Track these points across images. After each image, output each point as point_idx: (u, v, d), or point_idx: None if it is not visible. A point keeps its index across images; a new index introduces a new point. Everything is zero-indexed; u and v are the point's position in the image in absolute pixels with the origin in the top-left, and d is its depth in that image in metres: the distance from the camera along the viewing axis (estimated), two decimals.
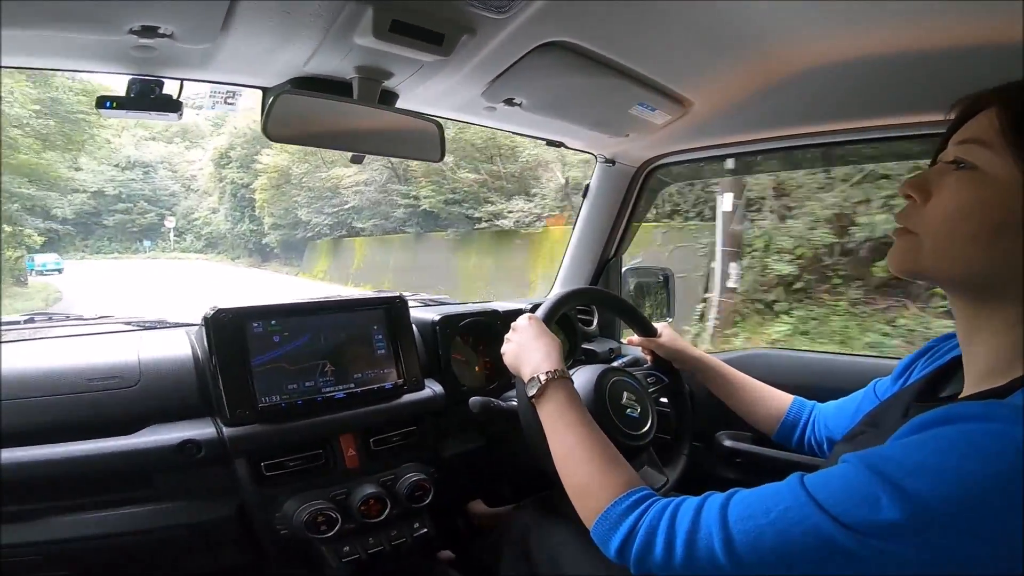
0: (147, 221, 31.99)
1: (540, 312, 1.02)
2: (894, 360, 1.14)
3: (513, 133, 1.48)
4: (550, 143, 1.52)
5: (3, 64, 0.88)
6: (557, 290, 1.09)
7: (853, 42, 0.93)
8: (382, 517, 1.10)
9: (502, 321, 1.45)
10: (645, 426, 1.07)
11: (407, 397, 1.20)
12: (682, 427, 1.17)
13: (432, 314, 1.35)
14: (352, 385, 1.14)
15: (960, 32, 0.85)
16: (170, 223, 32.10)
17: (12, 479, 0.88)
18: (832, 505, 0.49)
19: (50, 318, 1.25)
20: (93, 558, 0.98)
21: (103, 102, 0.94)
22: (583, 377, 1.07)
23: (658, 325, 1.21)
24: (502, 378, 1.40)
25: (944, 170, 0.58)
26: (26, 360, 1.00)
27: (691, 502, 0.61)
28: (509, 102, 1.13)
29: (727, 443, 1.41)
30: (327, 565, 1.11)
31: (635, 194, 1.61)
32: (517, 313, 1.48)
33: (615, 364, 1.15)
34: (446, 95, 1.12)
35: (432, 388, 1.25)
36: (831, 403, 1.00)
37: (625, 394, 1.07)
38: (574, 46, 0.94)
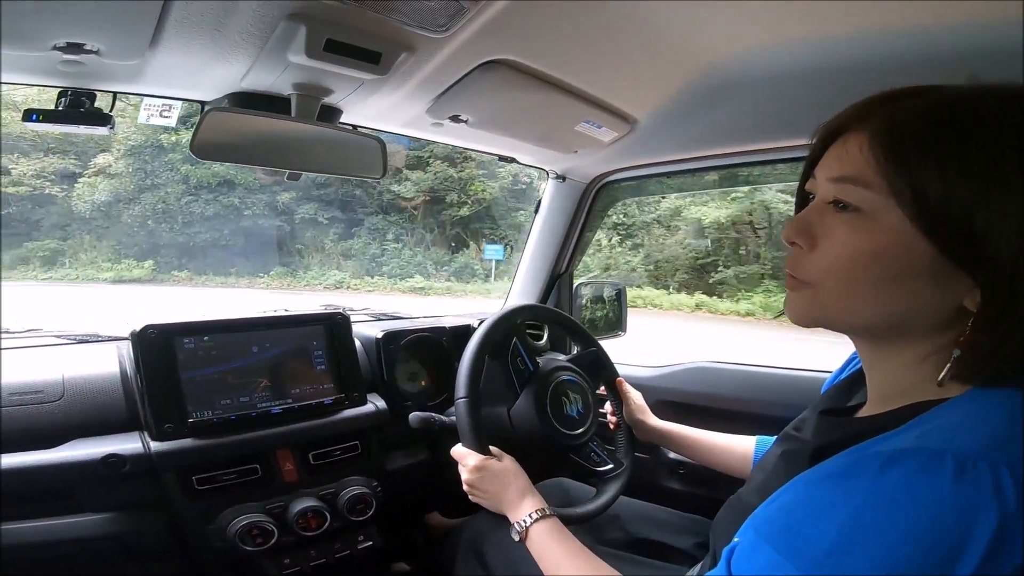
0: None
1: (468, 442, 0.96)
2: None
3: (464, 148, 1.48)
4: (502, 158, 1.53)
5: None
6: (480, 328, 1.07)
7: (790, 55, 0.95)
8: (321, 530, 1.11)
9: (448, 337, 1.46)
10: (584, 425, 1.10)
11: (347, 412, 1.21)
12: (627, 439, 1.18)
13: (376, 330, 1.36)
14: (289, 401, 1.15)
15: (909, 40, 0.85)
16: None
17: None
18: None
19: None
20: (10, 569, 0.96)
21: (30, 115, 0.91)
22: (525, 401, 1.08)
23: (631, 392, 1.21)
24: (446, 392, 1.40)
25: (824, 210, 0.54)
26: None
27: None
28: (455, 119, 1.13)
29: (671, 455, 1.44)
30: None
31: (586, 210, 1.63)
32: (464, 329, 1.49)
33: (564, 363, 1.16)
34: (391, 111, 1.12)
35: (375, 403, 1.25)
36: None
37: (566, 396, 1.09)
38: (517, 64, 0.94)
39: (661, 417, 1.20)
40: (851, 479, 0.46)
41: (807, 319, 0.57)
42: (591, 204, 1.62)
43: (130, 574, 1.08)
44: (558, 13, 0.82)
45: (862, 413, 0.61)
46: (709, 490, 1.39)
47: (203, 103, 1.05)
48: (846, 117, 0.54)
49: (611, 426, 1.23)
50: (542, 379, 1.09)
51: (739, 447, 1.08)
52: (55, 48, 0.77)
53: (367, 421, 1.23)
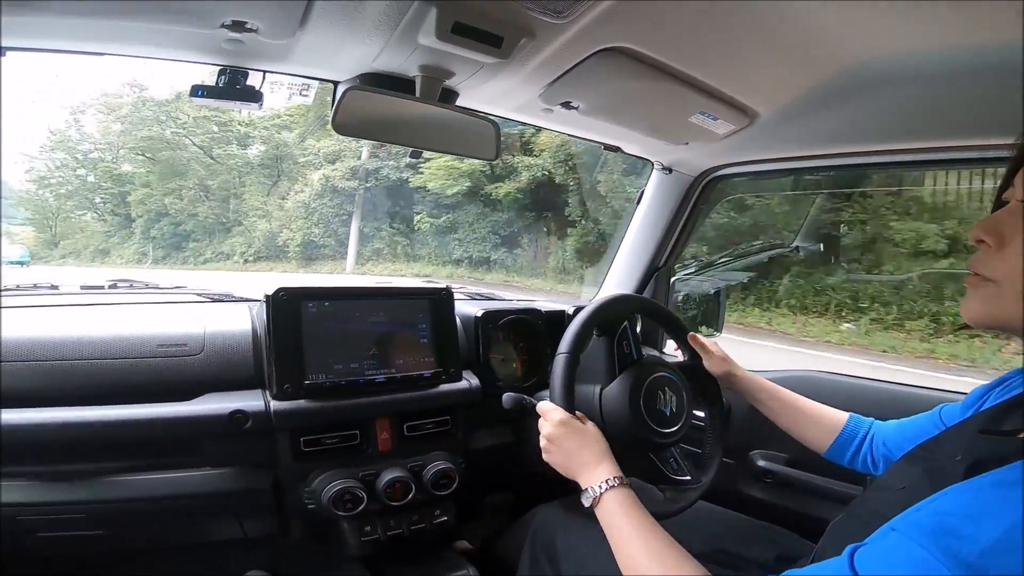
0: None
1: (557, 399, 0.96)
2: (960, 394, 1.09)
3: (569, 135, 1.48)
4: (607, 147, 1.52)
5: (104, 52, 0.97)
6: (591, 306, 1.06)
7: (937, 57, 0.88)
8: (406, 501, 1.14)
9: (543, 321, 1.47)
10: (676, 424, 1.05)
11: (444, 387, 1.23)
12: (715, 441, 1.14)
13: (475, 309, 1.38)
14: (393, 370, 1.18)
15: None
16: None
17: (72, 438, 0.94)
18: None
19: (131, 285, 1.34)
20: (128, 519, 1.04)
21: (196, 90, 1.01)
22: (620, 384, 1.05)
23: (708, 343, 1.17)
24: (538, 375, 1.42)
25: (1017, 210, 0.55)
26: (107, 324, 1.08)
27: None
28: (566, 105, 1.14)
29: (760, 463, 1.39)
30: (346, 542, 1.15)
31: (691, 203, 1.59)
32: (559, 315, 1.50)
33: (663, 361, 1.12)
34: (505, 95, 1.15)
35: (469, 380, 1.27)
36: (892, 422, 0.98)
37: (662, 391, 1.05)
38: (634, 52, 0.93)
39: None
40: (1008, 488, 0.45)
41: (984, 317, 0.58)
42: (697, 198, 1.58)
43: (219, 530, 1.15)
44: (690, 5, 0.81)
45: None
46: (798, 503, 1.33)
47: (335, 83, 1.12)
48: None
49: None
50: (643, 368, 1.06)
51: (827, 418, 1.04)
52: (222, 26, 0.85)
53: (461, 397, 1.25)
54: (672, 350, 1.41)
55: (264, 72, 1.07)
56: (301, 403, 1.08)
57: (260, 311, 1.16)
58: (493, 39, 0.86)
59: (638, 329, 1.62)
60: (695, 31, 0.88)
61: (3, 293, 1.22)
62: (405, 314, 1.23)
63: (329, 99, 1.17)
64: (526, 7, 0.81)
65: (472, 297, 1.62)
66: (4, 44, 0.89)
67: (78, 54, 0.97)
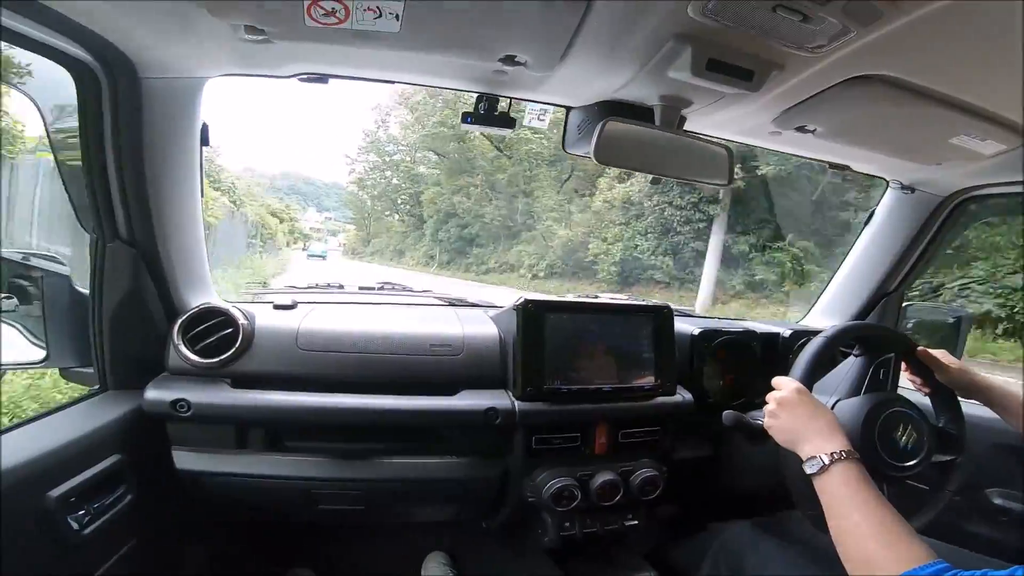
0: None
1: (799, 374, 0.96)
2: None
3: (790, 155, 1.43)
4: (833, 166, 1.44)
5: (395, 80, 1.13)
6: (820, 321, 1.03)
7: None
8: (613, 502, 1.20)
9: (758, 342, 1.44)
10: (908, 461, 0.96)
11: (659, 399, 1.27)
12: (946, 475, 1.03)
13: (692, 327, 1.40)
14: (617, 381, 1.24)
15: None
16: None
17: (361, 421, 1.10)
18: None
19: (393, 287, 1.57)
20: (385, 498, 1.19)
21: (465, 117, 1.17)
22: (859, 402, 0.99)
23: (939, 353, 1.06)
24: (745, 396, 1.41)
25: None
26: (387, 322, 1.25)
27: None
28: (800, 129, 1.12)
29: (997, 500, 1.25)
30: (546, 535, 1.24)
31: (937, 225, 1.44)
32: (773, 336, 1.47)
33: (901, 395, 1.04)
34: (734, 120, 1.15)
35: (682, 395, 1.30)
36: None
37: (902, 425, 0.97)
38: (892, 79, 0.89)
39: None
40: None
41: None
42: (945, 220, 1.43)
43: (437, 512, 1.26)
44: (966, 33, 0.76)
45: None
46: None
47: (568, 108, 1.21)
48: None
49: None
50: (891, 397, 1.00)
51: None
52: (498, 59, 0.95)
53: (674, 410, 1.28)
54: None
55: (511, 99, 1.18)
56: (540, 405, 1.16)
57: (502, 317, 1.28)
58: (744, 73, 0.89)
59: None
60: (966, 54, 0.82)
61: (305, 290, 1.49)
62: (631, 329, 1.28)
63: (561, 123, 1.25)
64: (780, 43, 0.82)
65: (688, 315, 1.63)
66: (328, 72, 1.07)
67: (378, 82, 1.14)
